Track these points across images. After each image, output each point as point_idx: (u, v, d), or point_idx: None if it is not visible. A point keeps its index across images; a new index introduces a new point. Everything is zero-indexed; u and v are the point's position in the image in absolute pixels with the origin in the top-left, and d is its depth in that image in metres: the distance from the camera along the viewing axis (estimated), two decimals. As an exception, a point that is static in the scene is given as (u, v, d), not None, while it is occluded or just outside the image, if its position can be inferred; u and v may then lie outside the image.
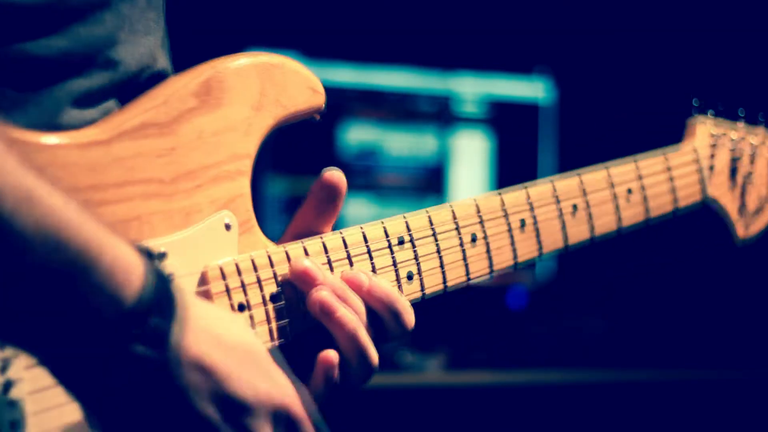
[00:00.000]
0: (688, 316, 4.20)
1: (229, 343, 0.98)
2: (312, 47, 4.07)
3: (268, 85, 1.16)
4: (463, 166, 4.28)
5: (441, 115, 4.27)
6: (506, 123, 4.32)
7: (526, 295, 4.23)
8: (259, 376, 1.00)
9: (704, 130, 1.64)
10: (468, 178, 4.25)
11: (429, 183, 4.26)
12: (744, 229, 1.68)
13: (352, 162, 4.16)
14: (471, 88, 4.29)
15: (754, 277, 4.14)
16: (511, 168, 4.29)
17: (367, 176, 4.18)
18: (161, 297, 0.93)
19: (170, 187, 1.08)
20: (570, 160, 1.72)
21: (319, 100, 1.21)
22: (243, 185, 1.16)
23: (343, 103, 4.13)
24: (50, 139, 1.01)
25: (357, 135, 4.17)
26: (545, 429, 3.82)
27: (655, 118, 4.02)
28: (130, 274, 0.90)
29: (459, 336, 3.98)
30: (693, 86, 4.26)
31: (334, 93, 4.20)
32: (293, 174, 4.06)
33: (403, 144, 4.24)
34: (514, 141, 4.33)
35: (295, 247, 1.17)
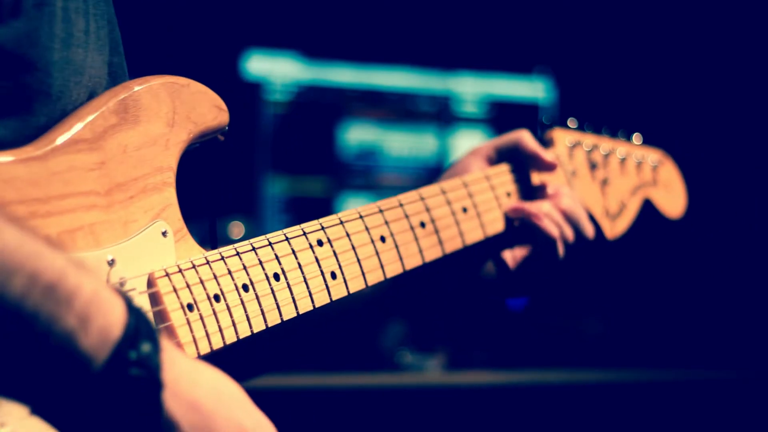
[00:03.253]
0: (687, 316, 4.20)
1: (210, 382, 1.01)
2: (312, 47, 4.08)
3: (179, 103, 1.23)
4: (463, 166, 4.28)
5: (441, 115, 4.28)
6: (506, 123, 4.32)
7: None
8: (242, 414, 1.03)
9: (562, 140, 1.75)
10: (468, 178, 4.26)
11: (429, 183, 4.26)
12: (610, 230, 1.79)
13: (352, 162, 4.16)
14: (471, 88, 4.29)
15: (752, 278, 4.14)
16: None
17: (367, 176, 4.19)
18: (147, 327, 0.95)
19: (106, 199, 1.15)
20: (569, 160, 1.73)
21: (224, 117, 1.28)
22: (171, 196, 1.23)
23: (343, 103, 4.13)
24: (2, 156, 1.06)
25: (357, 135, 4.17)
26: (545, 429, 3.82)
27: (654, 117, 4.03)
28: (114, 306, 0.92)
29: (459, 336, 3.98)
30: (692, 86, 4.27)
31: (334, 93, 4.24)
32: (293, 174, 4.06)
33: (403, 144, 4.24)
34: (514, 141, 4.32)
35: (227, 250, 1.25)
